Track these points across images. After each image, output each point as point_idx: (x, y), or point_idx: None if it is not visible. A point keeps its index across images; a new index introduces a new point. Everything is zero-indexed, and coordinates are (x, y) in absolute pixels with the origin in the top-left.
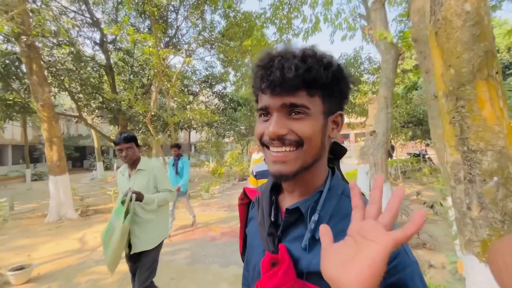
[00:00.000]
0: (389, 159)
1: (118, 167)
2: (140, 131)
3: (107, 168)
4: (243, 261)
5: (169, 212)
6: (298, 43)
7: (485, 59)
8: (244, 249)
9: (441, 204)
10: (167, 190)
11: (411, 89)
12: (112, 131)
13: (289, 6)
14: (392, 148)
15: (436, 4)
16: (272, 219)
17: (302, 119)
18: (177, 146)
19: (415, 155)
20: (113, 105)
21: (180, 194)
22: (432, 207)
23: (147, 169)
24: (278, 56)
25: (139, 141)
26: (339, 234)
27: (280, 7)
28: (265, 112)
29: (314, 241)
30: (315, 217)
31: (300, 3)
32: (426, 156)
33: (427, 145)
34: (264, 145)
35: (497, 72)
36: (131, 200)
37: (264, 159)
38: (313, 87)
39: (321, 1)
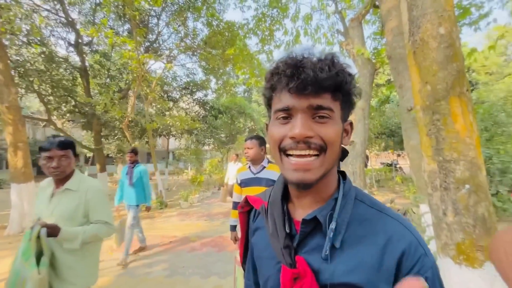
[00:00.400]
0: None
1: (90, 175)
2: (115, 137)
3: None
4: (244, 270)
5: (99, 252)
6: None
7: (457, 77)
8: (245, 259)
9: (413, 212)
10: (101, 222)
11: (384, 102)
12: (84, 136)
13: (271, 18)
14: (367, 157)
15: (415, 27)
16: (287, 230)
17: (326, 123)
18: (134, 151)
19: (388, 164)
20: (87, 109)
21: (132, 207)
22: (405, 214)
23: (79, 190)
24: (308, 56)
25: (113, 147)
26: (359, 240)
27: (263, 19)
28: (286, 113)
29: (334, 250)
30: (332, 225)
31: (282, 17)
32: (398, 166)
33: (398, 155)
34: (281, 151)
35: (467, 90)
36: (39, 236)
37: (249, 167)
38: (337, 92)
39: (301, 16)
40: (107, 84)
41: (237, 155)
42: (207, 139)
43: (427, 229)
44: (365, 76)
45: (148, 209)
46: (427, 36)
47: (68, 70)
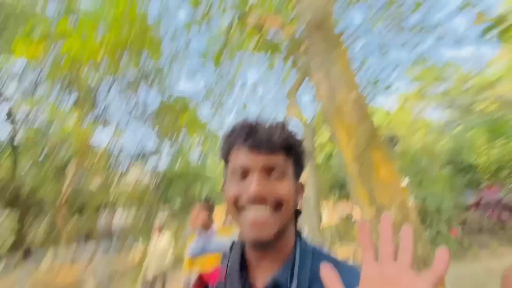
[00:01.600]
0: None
1: None
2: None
3: None
4: None
5: None
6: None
7: (371, 133)
8: None
9: None
10: None
11: (329, 159)
12: None
13: (221, 91)
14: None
15: (332, 94)
16: None
17: (281, 180)
18: None
19: (346, 217)
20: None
21: None
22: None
23: None
24: (261, 122)
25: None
26: None
27: (212, 93)
28: (243, 172)
29: None
30: (294, 284)
31: (229, 89)
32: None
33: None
34: (238, 208)
35: (381, 142)
36: None
37: (198, 235)
38: (289, 152)
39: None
40: (40, 162)
41: (160, 227)
42: (159, 211)
43: None
44: (307, 136)
45: None
46: (343, 102)
47: None
